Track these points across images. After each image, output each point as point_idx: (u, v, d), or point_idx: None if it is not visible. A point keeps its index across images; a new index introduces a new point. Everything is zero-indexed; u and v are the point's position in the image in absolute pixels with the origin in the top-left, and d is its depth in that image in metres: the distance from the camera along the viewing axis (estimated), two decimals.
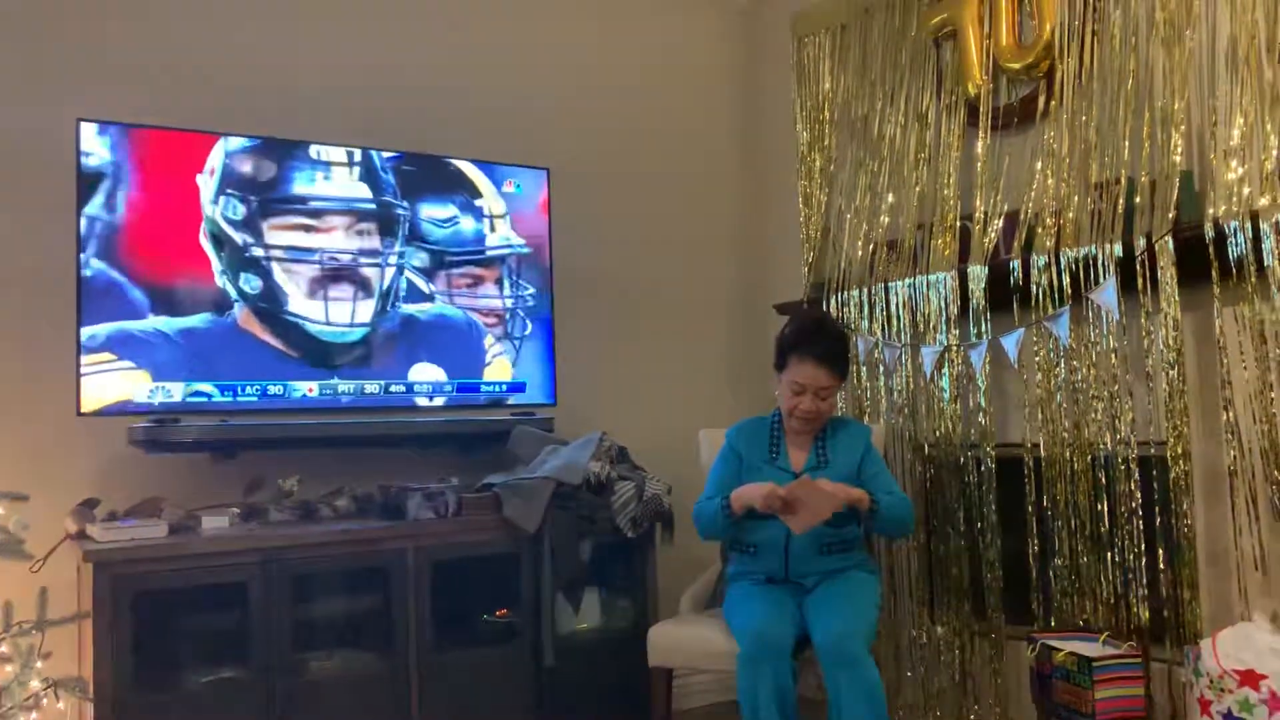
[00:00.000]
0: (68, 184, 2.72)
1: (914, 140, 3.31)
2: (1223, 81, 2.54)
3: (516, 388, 3.31)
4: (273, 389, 2.94)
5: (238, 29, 3.16)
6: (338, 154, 3.06)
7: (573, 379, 3.51)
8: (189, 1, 3.10)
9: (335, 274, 3.02)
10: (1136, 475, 2.68)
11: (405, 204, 3.13)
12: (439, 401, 3.17)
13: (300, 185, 2.99)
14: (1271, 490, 2.43)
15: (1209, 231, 2.49)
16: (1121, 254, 2.66)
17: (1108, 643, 2.59)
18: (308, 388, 2.98)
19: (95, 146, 2.75)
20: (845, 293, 3.43)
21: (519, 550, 2.97)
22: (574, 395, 3.49)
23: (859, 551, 2.74)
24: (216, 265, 2.88)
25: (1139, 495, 2.67)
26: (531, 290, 3.34)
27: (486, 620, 3.05)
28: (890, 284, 3.27)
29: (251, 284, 2.91)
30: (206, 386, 2.85)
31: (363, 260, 3.06)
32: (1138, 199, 2.66)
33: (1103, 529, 2.74)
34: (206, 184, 2.88)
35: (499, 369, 3.27)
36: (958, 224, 3.13)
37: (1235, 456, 2.49)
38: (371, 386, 3.07)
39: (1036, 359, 2.89)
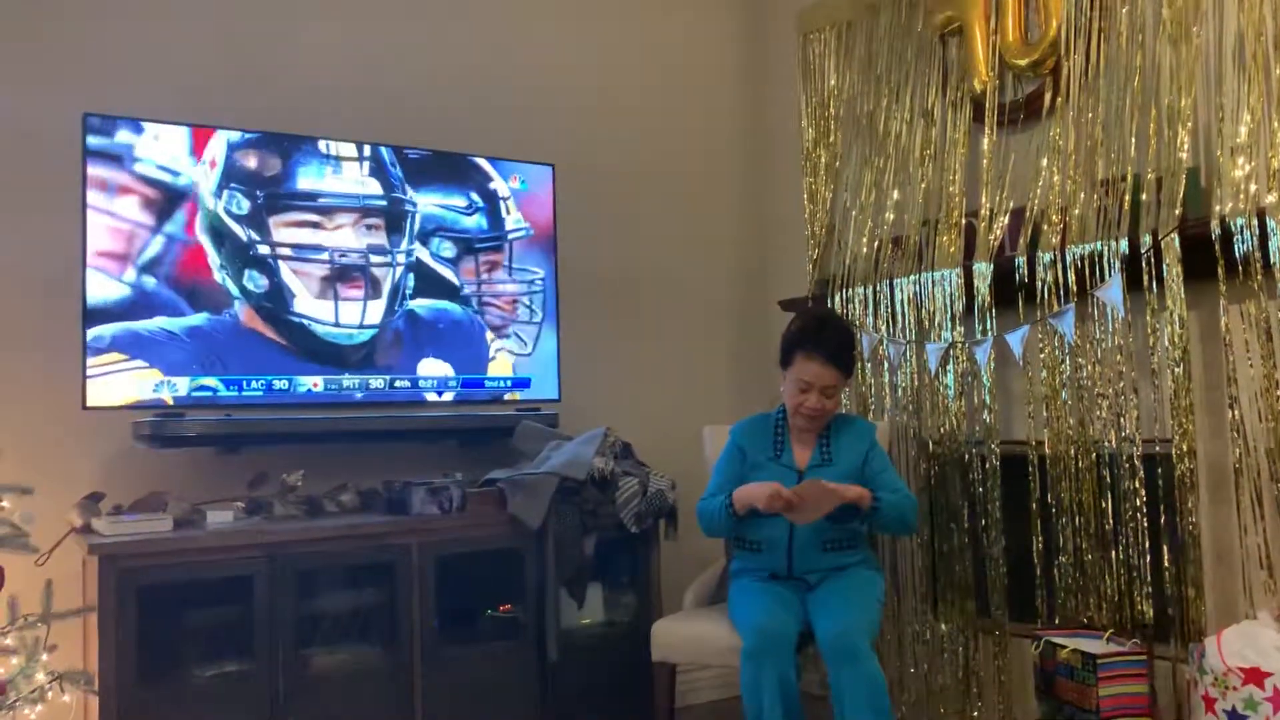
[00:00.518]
0: (73, 178, 2.72)
1: (919, 137, 3.30)
2: (1229, 78, 2.53)
3: (521, 383, 3.31)
4: (278, 384, 2.94)
5: (245, 24, 3.16)
6: (347, 149, 3.05)
7: (578, 374, 3.50)
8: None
9: (344, 273, 3.01)
10: (1141, 473, 2.67)
11: (413, 200, 3.13)
12: (447, 397, 3.18)
13: (307, 180, 2.99)
14: (1277, 488, 2.43)
15: (1215, 228, 2.48)
16: (1127, 251, 2.65)
17: (1112, 640, 2.58)
18: (313, 383, 2.99)
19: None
20: (850, 289, 3.42)
21: (523, 545, 2.97)
22: (579, 391, 3.49)
23: (862, 548, 2.74)
24: (215, 260, 2.86)
25: (1144, 493, 2.67)
26: (541, 274, 3.34)
27: (490, 615, 3.06)
28: (895, 281, 3.27)
29: (256, 282, 2.90)
30: (211, 381, 2.85)
31: (373, 259, 3.05)
32: (1144, 196, 2.65)
33: (1107, 526, 2.74)
34: (207, 176, 2.87)
35: (503, 364, 3.27)
36: (963, 221, 3.13)
37: (1240, 454, 2.49)
38: (377, 382, 3.07)
39: (1041, 356, 2.88)
